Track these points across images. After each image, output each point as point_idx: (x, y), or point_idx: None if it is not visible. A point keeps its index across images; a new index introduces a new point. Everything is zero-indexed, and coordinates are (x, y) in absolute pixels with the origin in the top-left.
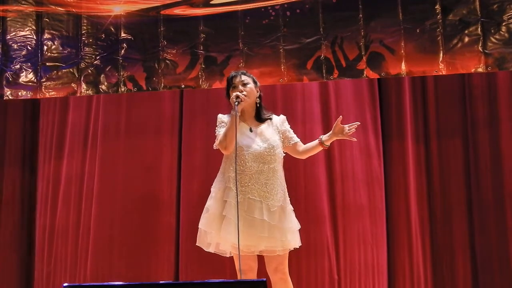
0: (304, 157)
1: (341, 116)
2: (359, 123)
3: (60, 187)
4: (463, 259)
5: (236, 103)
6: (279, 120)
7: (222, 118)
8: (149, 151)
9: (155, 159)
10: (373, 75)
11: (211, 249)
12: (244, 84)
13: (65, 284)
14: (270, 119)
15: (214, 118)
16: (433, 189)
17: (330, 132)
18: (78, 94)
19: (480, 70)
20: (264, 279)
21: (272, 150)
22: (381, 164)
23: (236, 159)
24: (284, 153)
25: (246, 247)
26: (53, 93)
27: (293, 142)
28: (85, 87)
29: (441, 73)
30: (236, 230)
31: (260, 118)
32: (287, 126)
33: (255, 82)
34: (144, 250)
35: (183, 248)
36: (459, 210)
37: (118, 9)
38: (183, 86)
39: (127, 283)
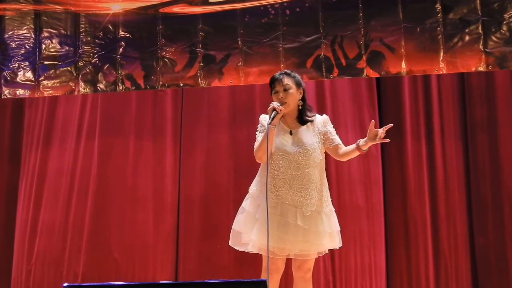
0: (344, 159)
1: (373, 120)
2: (392, 124)
3: (46, 182)
4: (464, 259)
5: (272, 117)
6: (321, 121)
7: (263, 121)
8: (150, 150)
9: (155, 159)
10: (373, 74)
11: (249, 249)
12: (285, 90)
13: (65, 284)
14: (312, 121)
15: (215, 119)
16: (433, 189)
17: (366, 137)
18: (76, 93)
19: (480, 69)
20: (264, 279)
21: (306, 155)
22: (379, 164)
23: (267, 171)
24: (323, 156)
25: (280, 250)
26: (51, 91)
27: (334, 144)
28: (83, 85)
29: (441, 72)
30: (266, 232)
31: (302, 120)
32: (329, 127)
33: (298, 84)
34: (144, 249)
35: (182, 248)
36: (460, 210)
37: (116, 7)
38: (181, 84)
39: (127, 283)
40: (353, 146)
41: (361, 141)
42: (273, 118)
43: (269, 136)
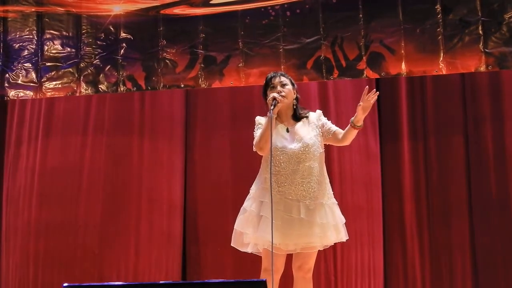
0: (347, 143)
1: (367, 86)
2: (377, 92)
3: (47, 181)
4: (462, 260)
5: (273, 105)
6: (315, 116)
7: (260, 120)
8: (157, 150)
9: (162, 159)
10: (373, 75)
11: (249, 249)
12: (283, 85)
13: (65, 284)
14: (307, 117)
15: (219, 121)
16: (432, 189)
17: (356, 113)
18: (78, 94)
19: (481, 69)
20: (264, 279)
21: (306, 149)
22: (379, 166)
23: (271, 160)
24: (323, 148)
25: (285, 246)
26: (53, 93)
27: (332, 132)
28: (84, 86)
29: (441, 73)
30: (271, 227)
31: (297, 118)
32: (323, 119)
33: (292, 84)
34: (150, 251)
35: (189, 249)
36: (459, 210)
37: (117, 9)
38: (182, 85)
39: (127, 283)
40: (348, 126)
41: (353, 118)
42: (274, 106)
43: (269, 127)
